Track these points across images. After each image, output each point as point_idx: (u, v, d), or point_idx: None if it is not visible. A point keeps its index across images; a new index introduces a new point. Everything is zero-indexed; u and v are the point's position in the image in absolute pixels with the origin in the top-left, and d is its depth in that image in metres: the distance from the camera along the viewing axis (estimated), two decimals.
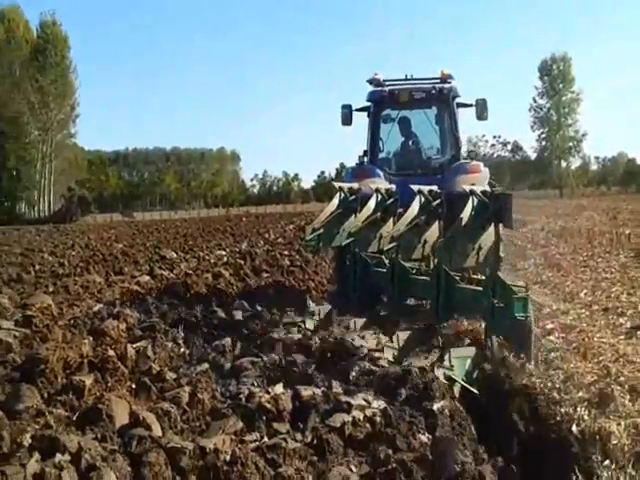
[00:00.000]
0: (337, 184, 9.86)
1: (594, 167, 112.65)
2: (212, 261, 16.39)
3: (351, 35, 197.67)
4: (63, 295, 10.84)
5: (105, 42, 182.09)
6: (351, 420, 4.86)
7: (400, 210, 9.06)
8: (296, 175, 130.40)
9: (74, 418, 4.98)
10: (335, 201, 9.48)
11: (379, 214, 9.33)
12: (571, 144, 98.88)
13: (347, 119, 11.81)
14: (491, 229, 7.25)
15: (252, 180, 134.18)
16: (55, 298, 10.36)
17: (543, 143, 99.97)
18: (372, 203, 9.35)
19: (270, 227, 33.35)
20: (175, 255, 17.56)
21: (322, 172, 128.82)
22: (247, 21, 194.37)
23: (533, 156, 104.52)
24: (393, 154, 12.05)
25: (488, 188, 8.39)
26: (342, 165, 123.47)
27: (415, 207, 8.56)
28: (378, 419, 4.97)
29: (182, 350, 7.34)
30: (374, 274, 9.33)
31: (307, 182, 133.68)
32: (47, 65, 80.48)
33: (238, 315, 8.86)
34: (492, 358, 7.23)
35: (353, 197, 9.54)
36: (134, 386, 5.94)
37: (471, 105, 11.61)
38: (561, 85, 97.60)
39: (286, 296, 10.56)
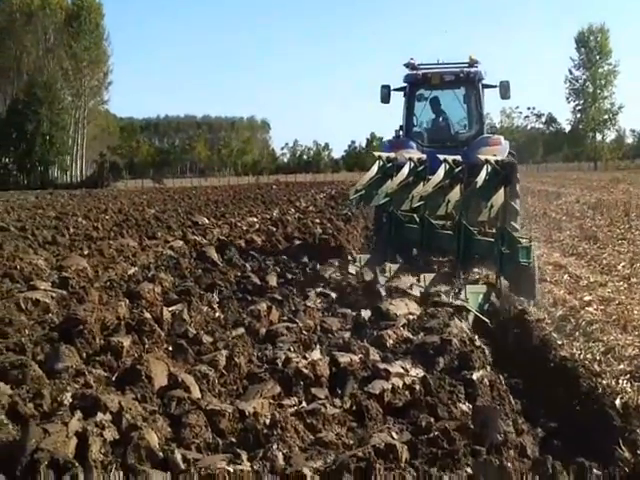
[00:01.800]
0: (377, 153, 11.42)
1: (629, 140, 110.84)
2: (244, 228, 16.36)
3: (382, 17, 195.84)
4: (98, 258, 10.85)
5: (138, 9, 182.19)
6: (390, 387, 4.81)
7: (429, 176, 10.31)
8: (327, 144, 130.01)
9: (113, 378, 4.99)
10: (375, 168, 10.98)
11: (411, 179, 10.69)
12: (607, 117, 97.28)
13: (386, 98, 13.36)
14: (501, 191, 8.88)
15: (282, 149, 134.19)
16: (90, 261, 10.38)
17: (578, 115, 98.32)
18: (406, 169, 10.71)
19: (300, 195, 33.26)
20: (207, 221, 17.54)
21: (352, 142, 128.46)
22: None
23: (567, 128, 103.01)
24: (425, 129, 13.54)
25: (506, 158, 10.20)
26: (373, 135, 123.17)
27: (440, 173, 9.94)
28: (417, 387, 4.91)
29: (217, 314, 7.31)
30: (406, 229, 10.81)
31: (337, 152, 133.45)
32: (81, 32, 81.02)
33: (272, 281, 8.82)
34: (500, 295, 8.70)
35: (390, 164, 11.00)
36: (170, 348, 5.94)
37: (495, 86, 13.03)
38: (598, 57, 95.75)
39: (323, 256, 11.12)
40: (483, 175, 9.15)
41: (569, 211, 21.62)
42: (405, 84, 13.11)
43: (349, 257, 11.08)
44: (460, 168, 10.07)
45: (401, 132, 13.09)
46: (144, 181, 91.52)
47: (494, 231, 9.19)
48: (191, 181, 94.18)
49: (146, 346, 5.88)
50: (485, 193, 9.02)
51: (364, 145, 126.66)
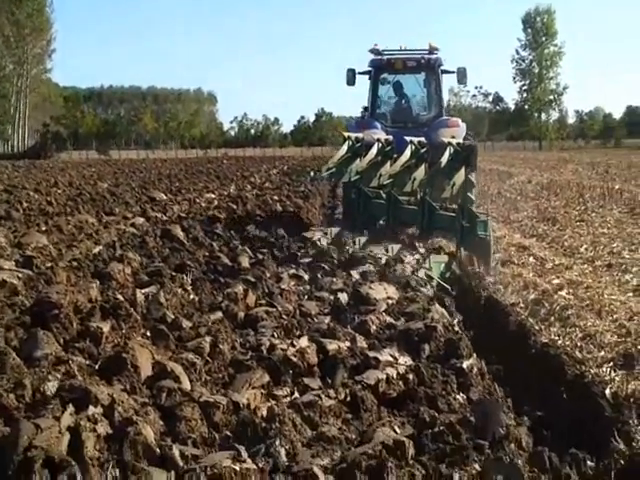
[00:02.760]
0: (346, 134, 12.17)
1: (571, 121, 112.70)
2: (203, 204, 16.12)
3: None
4: (57, 235, 10.53)
5: None
6: (385, 378, 4.73)
7: (395, 155, 11.36)
8: (276, 119, 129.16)
9: (97, 367, 4.80)
10: (345, 147, 11.70)
11: (379, 158, 11.61)
12: (552, 97, 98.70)
13: (351, 80, 14.30)
14: (462, 171, 10.20)
15: (231, 122, 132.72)
16: (50, 238, 10.06)
17: (524, 95, 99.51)
18: (374, 149, 11.55)
19: (253, 171, 32.97)
20: (165, 197, 17.23)
21: (302, 117, 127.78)
22: None
23: (513, 108, 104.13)
24: (389, 110, 14.60)
25: (462, 140, 11.45)
26: (322, 110, 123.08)
27: (407, 153, 10.97)
28: (411, 377, 4.85)
29: (192, 297, 7.13)
30: (374, 204, 11.57)
31: (286, 127, 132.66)
32: None
33: (244, 262, 8.65)
34: (460, 264, 9.68)
35: (359, 144, 11.78)
36: (149, 334, 5.75)
37: (453, 72, 14.17)
38: (544, 38, 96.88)
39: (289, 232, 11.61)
40: (446, 156, 10.35)
41: (523, 191, 21.86)
42: (370, 68, 14.05)
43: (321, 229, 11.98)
44: (425, 149, 11.21)
45: (366, 113, 14.22)
46: (88, 152, 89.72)
47: (455, 207, 10.20)
48: (137, 153, 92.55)
49: (124, 331, 5.70)
50: (448, 172, 10.28)
51: (313, 120, 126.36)
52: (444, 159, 10.33)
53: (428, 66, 13.94)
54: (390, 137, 12.03)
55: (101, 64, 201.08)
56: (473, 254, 9.93)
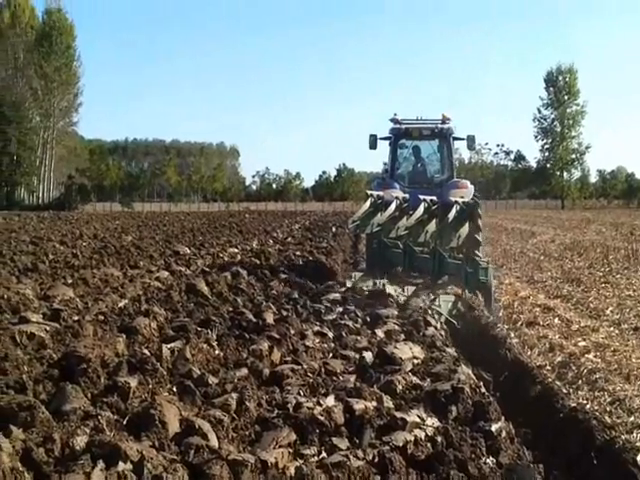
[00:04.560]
0: (369, 192, 14.21)
1: (593, 180, 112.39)
2: (226, 259, 16.20)
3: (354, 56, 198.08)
4: (83, 288, 10.60)
5: (108, 31, 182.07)
6: (413, 439, 4.69)
7: (410, 211, 13.32)
8: (298, 174, 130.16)
9: (124, 422, 4.81)
10: (367, 203, 13.65)
11: (397, 213, 13.52)
12: (574, 156, 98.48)
13: (373, 144, 16.03)
14: (466, 225, 12.83)
15: (253, 177, 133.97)
16: (76, 291, 10.15)
17: (546, 154, 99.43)
18: (393, 206, 13.53)
19: (275, 226, 33.14)
20: (188, 251, 17.31)
21: (324, 172, 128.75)
22: (248, 15, 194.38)
23: (535, 166, 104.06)
24: (406, 172, 16.26)
25: (470, 199, 13.70)
26: (344, 166, 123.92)
27: (421, 209, 13.12)
28: (439, 439, 4.80)
29: (217, 352, 7.13)
30: (392, 252, 12.94)
31: (307, 181, 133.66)
32: (52, 52, 80.00)
33: (269, 318, 8.66)
34: (465, 304, 10.88)
35: (380, 201, 13.71)
36: (175, 389, 5.77)
37: (463, 139, 15.95)
38: (566, 97, 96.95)
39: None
40: (453, 212, 12.80)
41: (546, 251, 21.79)
42: (390, 135, 15.82)
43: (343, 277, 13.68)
44: (436, 206, 13.38)
45: (386, 174, 16.24)
46: (112, 204, 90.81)
47: (461, 255, 12.08)
48: (160, 206, 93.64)
49: (150, 386, 5.71)
50: (455, 226, 12.72)
51: (334, 175, 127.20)
52: (451, 215, 12.76)
53: (441, 134, 15.60)
54: (407, 195, 14.01)
55: (126, 117, 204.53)
56: (476, 295, 11.37)
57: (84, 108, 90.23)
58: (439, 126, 15.55)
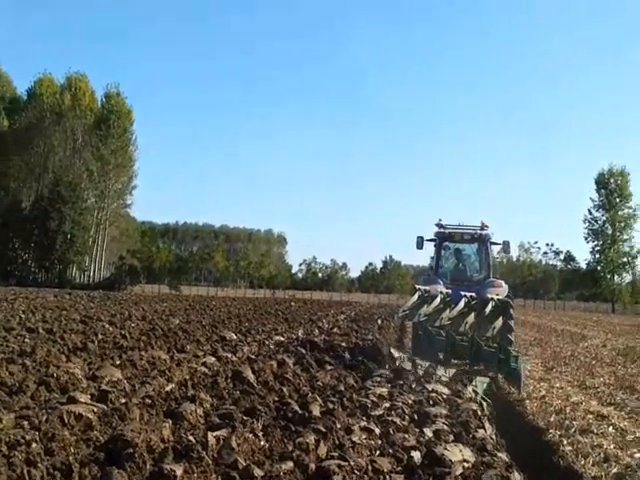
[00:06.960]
0: (417, 286, 16.33)
1: None
2: (272, 347, 16.14)
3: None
4: (131, 370, 10.62)
5: (160, 115, 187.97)
6: None
7: (453, 305, 15.40)
8: (344, 264, 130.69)
9: None
10: (415, 296, 15.81)
11: (441, 306, 15.59)
12: (625, 259, 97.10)
13: (420, 245, 18.40)
14: (500, 318, 15.04)
15: (300, 265, 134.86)
16: (124, 372, 10.17)
17: (596, 256, 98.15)
18: (438, 299, 15.63)
19: (321, 315, 33.02)
20: (235, 337, 17.30)
21: (370, 264, 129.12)
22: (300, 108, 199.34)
23: (585, 267, 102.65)
24: (449, 271, 18.70)
25: (504, 297, 16.10)
26: (390, 257, 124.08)
27: (462, 304, 15.26)
28: None
29: (262, 443, 7.02)
30: (436, 340, 14.78)
31: (353, 271, 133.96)
32: (109, 135, 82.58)
33: (315, 410, 8.53)
34: (498, 385, 13.15)
35: (426, 295, 15.81)
36: (220, 479, 5.68)
37: (500, 244, 18.77)
38: (618, 199, 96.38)
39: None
40: (489, 307, 15.10)
41: (598, 355, 21.25)
42: (435, 238, 18.32)
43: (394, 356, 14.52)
44: (475, 301, 15.48)
45: (431, 271, 18.67)
46: (160, 286, 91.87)
47: (495, 344, 14.19)
48: (207, 290, 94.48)
49: (195, 475, 5.62)
50: (490, 319, 14.84)
51: (380, 267, 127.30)
52: (487, 309, 15.02)
53: (480, 239, 18.02)
54: (449, 291, 16.16)
55: (177, 201, 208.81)
56: (507, 379, 13.77)
57: (138, 190, 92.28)
58: (478, 232, 17.93)
